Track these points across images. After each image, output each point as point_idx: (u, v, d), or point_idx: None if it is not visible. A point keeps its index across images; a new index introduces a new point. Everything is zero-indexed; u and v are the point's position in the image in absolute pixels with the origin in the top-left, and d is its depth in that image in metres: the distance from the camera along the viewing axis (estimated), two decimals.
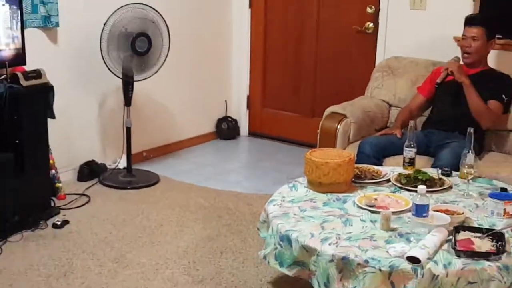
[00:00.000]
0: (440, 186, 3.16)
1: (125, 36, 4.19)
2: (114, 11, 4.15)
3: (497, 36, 4.06)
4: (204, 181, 4.63)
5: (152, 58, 4.34)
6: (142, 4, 4.24)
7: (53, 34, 4.24)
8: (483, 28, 3.90)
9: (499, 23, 4.09)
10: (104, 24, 4.13)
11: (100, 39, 4.13)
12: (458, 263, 2.43)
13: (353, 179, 3.20)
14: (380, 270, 2.41)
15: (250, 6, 5.51)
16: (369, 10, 4.89)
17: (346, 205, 2.97)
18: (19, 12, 3.71)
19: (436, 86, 3.96)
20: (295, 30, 5.35)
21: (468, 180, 3.18)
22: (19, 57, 3.76)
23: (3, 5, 3.61)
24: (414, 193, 2.85)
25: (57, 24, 4.18)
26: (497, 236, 2.58)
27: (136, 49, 4.23)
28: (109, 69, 4.21)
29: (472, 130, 3.25)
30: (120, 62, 4.24)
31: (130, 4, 4.21)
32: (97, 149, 4.67)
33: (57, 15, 4.16)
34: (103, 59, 4.16)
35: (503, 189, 3.08)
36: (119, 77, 4.29)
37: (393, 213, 2.80)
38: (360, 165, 3.41)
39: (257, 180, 4.73)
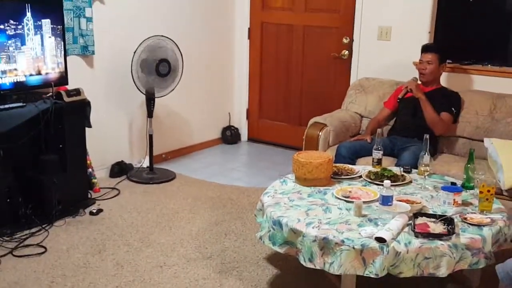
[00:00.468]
0: (402, 181, 3.17)
1: (151, 62, 4.19)
2: (141, 42, 4.16)
3: (447, 61, 4.07)
4: (211, 177, 4.62)
5: (170, 79, 4.35)
6: (162, 36, 4.25)
7: (89, 60, 4.24)
8: (436, 54, 3.92)
9: (449, 50, 4.10)
10: (134, 53, 4.14)
11: (131, 65, 4.14)
12: (417, 242, 2.45)
13: (332, 175, 3.21)
14: (353, 248, 2.43)
15: (249, 37, 5.51)
16: (344, 40, 4.90)
17: (326, 196, 2.98)
18: (62, 43, 3.73)
19: (398, 101, 3.97)
20: (285, 56, 5.34)
21: (425, 176, 3.20)
22: (63, 78, 3.76)
23: (50, 37, 3.63)
24: (381, 187, 2.86)
25: (93, 52, 4.18)
26: (448, 221, 2.61)
27: (160, 72, 4.24)
28: (138, 88, 4.22)
29: (427, 136, 3.24)
30: (145, 83, 4.25)
31: (153, 36, 4.21)
32: (125, 151, 4.66)
33: (93, 45, 4.16)
34: (133, 80, 4.17)
35: (453, 183, 3.09)
36: (144, 94, 4.30)
37: (364, 202, 2.82)
38: (337, 164, 3.42)
39: (255, 176, 4.72)
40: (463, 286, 2.94)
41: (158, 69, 4.22)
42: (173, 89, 4.40)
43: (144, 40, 4.19)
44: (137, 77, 4.19)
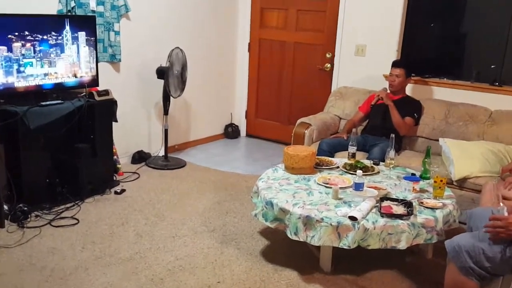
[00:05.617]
0: (372, 171, 3.20)
1: (176, 69, 4.21)
2: (170, 53, 4.16)
3: (412, 74, 4.08)
4: (216, 165, 4.61)
5: (185, 82, 4.37)
6: (178, 47, 4.26)
7: (117, 66, 4.24)
8: (404, 69, 3.92)
9: (414, 66, 4.10)
10: (168, 62, 4.15)
11: (164, 73, 4.15)
12: (382, 221, 2.50)
13: (314, 166, 3.23)
14: (331, 224, 2.47)
15: (249, 50, 5.50)
16: (327, 55, 4.90)
17: (310, 182, 3.00)
18: (94, 51, 3.72)
19: (371, 106, 3.98)
20: (278, 67, 5.33)
21: (390, 168, 3.24)
22: (94, 81, 3.77)
23: (84, 46, 3.64)
24: (354, 175, 2.90)
25: (119, 60, 4.19)
26: (408, 204, 2.65)
27: (183, 77, 4.27)
28: (167, 89, 4.19)
29: (393, 135, 3.28)
30: (174, 84, 4.26)
31: (174, 48, 4.21)
32: (144, 142, 4.66)
33: (120, 54, 4.17)
34: (167, 84, 4.17)
35: (413, 174, 3.12)
36: (172, 96, 4.29)
37: (341, 188, 2.85)
38: (319, 157, 3.43)
39: (251, 165, 4.71)
40: (419, 257, 2.97)
41: (182, 74, 4.24)
42: (183, 90, 4.40)
43: (172, 50, 4.17)
44: (167, 81, 4.19)
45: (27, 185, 3.33)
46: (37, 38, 3.33)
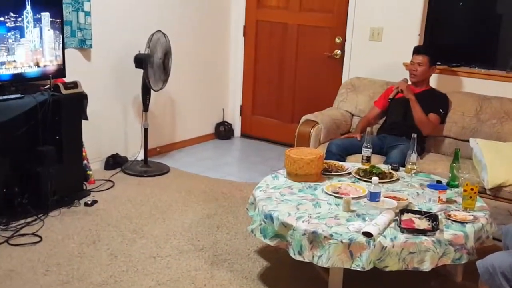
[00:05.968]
0: (390, 178, 3.19)
1: (158, 57, 4.22)
2: (150, 38, 4.15)
3: (437, 63, 4.09)
4: (204, 171, 4.61)
5: (168, 72, 4.36)
6: (160, 31, 4.24)
7: (87, 53, 4.23)
8: (427, 56, 3.93)
9: (439, 53, 4.11)
10: (148, 48, 4.15)
11: (143, 62, 4.15)
12: (402, 237, 2.49)
13: (322, 172, 3.23)
14: (341, 242, 2.46)
15: (244, 35, 5.51)
16: (337, 40, 4.91)
17: (316, 191, 3.00)
18: (60, 36, 3.73)
19: (389, 100, 3.98)
20: (279, 54, 5.34)
21: (412, 174, 3.22)
22: (60, 71, 3.76)
23: (49, 30, 3.63)
24: (369, 183, 2.90)
25: (90, 46, 4.18)
26: (432, 217, 2.64)
27: (165, 66, 4.27)
28: (147, 81, 4.19)
29: (415, 135, 3.27)
30: (155, 75, 4.25)
31: (156, 32, 4.20)
32: (120, 144, 4.65)
33: (91, 39, 4.15)
34: (147, 74, 4.16)
35: (438, 182, 3.11)
36: (153, 89, 4.29)
37: (353, 198, 2.84)
38: (328, 161, 3.43)
39: (247, 171, 4.72)
40: (446, 280, 2.97)
41: (164, 63, 4.25)
42: (166, 81, 4.39)
43: (152, 35, 4.17)
44: (147, 71, 4.18)
45: None
46: None
